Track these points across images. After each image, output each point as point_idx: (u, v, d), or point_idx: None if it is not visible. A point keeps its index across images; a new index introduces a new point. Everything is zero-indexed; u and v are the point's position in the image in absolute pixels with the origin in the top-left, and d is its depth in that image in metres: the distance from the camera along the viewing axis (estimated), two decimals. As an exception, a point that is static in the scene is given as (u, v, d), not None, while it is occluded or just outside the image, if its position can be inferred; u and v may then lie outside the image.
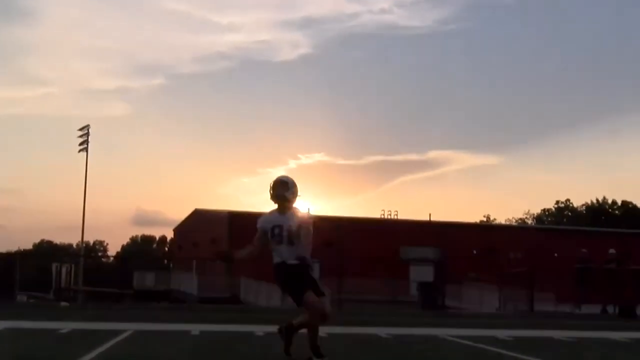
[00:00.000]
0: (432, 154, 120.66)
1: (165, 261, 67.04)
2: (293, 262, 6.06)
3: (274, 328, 6.63)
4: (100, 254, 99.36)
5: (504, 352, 8.06)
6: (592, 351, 9.08)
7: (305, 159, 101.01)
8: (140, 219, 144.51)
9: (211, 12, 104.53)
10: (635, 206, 77.64)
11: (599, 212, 77.88)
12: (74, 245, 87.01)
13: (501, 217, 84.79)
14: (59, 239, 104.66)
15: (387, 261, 36.81)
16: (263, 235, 6.23)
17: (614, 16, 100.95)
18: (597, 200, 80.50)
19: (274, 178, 6.27)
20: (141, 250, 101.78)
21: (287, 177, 6.29)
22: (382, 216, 47.83)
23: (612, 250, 21.26)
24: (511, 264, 31.58)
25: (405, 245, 42.11)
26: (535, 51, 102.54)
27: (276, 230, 6.13)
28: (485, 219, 79.85)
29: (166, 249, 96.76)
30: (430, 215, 47.36)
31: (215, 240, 41.50)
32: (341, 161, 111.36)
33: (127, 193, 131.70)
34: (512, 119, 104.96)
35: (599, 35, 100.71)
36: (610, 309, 19.43)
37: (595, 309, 19.58)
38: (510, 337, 10.05)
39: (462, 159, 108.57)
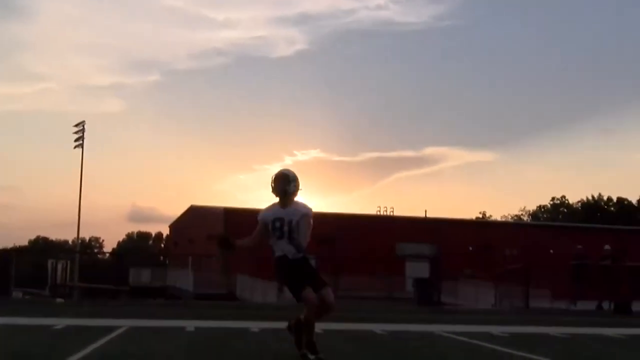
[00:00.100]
0: (428, 151, 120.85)
1: (161, 257, 67.03)
2: (294, 256, 6.02)
3: (269, 324, 6.63)
4: (96, 250, 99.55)
5: (499, 348, 8.07)
6: (587, 347, 9.10)
7: (301, 156, 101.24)
8: (136, 215, 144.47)
9: (207, 8, 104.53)
10: (630, 203, 77.93)
11: (595, 208, 78.10)
12: (70, 242, 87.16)
13: (497, 213, 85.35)
14: (54, 235, 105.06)
15: (383, 257, 36.80)
16: (264, 228, 6.16)
17: (614, 16, 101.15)
18: (593, 196, 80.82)
19: (275, 171, 6.18)
20: (137, 246, 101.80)
21: (288, 171, 6.22)
22: (378, 213, 47.95)
23: (607, 247, 21.33)
24: (507, 260, 31.68)
25: (401, 242, 42.16)
26: (530, 48, 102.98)
27: (277, 224, 6.06)
28: (481, 216, 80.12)
29: (162, 245, 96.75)
30: (426, 211, 47.66)
31: (211, 237, 41.42)
32: (337, 157, 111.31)
33: (123, 189, 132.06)
34: (508, 116, 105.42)
35: (598, 35, 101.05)
36: (605, 305, 19.51)
37: (591, 305, 19.64)
38: (506, 334, 10.08)
39: (458, 156, 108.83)
